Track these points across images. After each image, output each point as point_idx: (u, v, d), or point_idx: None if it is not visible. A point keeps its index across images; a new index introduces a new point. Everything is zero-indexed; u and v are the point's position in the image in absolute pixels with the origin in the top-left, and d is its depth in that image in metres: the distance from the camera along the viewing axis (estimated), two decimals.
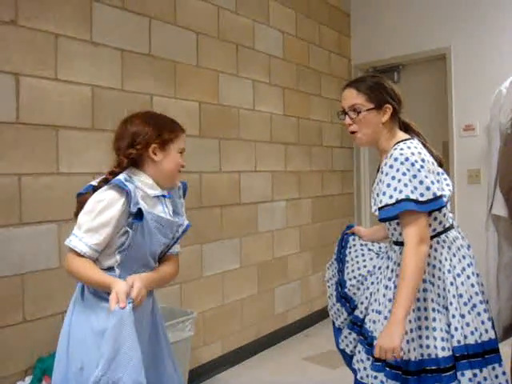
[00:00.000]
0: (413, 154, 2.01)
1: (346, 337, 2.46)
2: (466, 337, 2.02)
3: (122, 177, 1.93)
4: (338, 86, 5.46)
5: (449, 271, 2.08)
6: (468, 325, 2.03)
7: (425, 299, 2.08)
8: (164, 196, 2.05)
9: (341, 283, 2.51)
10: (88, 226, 1.87)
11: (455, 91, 4.82)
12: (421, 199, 1.95)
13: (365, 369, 2.21)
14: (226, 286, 3.97)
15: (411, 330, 2.04)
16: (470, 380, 1.98)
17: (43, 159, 2.81)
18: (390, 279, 2.16)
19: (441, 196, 2.00)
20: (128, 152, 1.96)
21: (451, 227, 2.17)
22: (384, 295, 2.16)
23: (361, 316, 2.36)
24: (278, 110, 4.59)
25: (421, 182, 1.95)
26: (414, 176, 1.96)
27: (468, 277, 2.10)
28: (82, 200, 1.99)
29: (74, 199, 2.91)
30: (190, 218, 2.11)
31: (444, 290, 2.07)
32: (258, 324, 4.33)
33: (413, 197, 1.94)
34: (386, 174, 2.03)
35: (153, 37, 3.41)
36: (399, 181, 1.98)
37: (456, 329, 2.02)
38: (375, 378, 2.09)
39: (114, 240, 1.91)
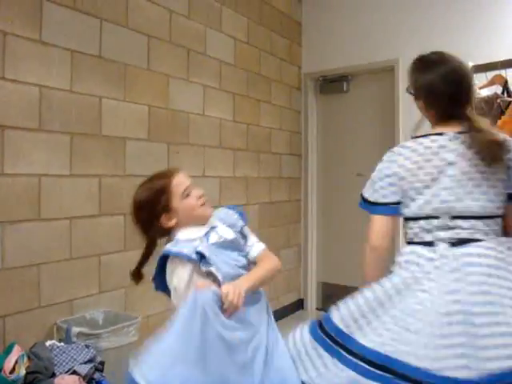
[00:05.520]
0: None
1: None
2: None
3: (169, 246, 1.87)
4: (287, 94, 5.53)
5: None
6: None
7: None
8: (208, 232, 1.93)
9: None
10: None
11: (402, 102, 4.91)
12: None
13: None
14: None
15: None
16: None
17: None
18: None
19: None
20: (149, 237, 1.96)
21: None
22: None
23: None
24: (228, 116, 4.61)
25: None
26: None
27: None
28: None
29: (18, 200, 2.87)
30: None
31: None
32: None
33: None
34: None
35: (104, 38, 3.38)
36: None
37: None
38: None
39: None
